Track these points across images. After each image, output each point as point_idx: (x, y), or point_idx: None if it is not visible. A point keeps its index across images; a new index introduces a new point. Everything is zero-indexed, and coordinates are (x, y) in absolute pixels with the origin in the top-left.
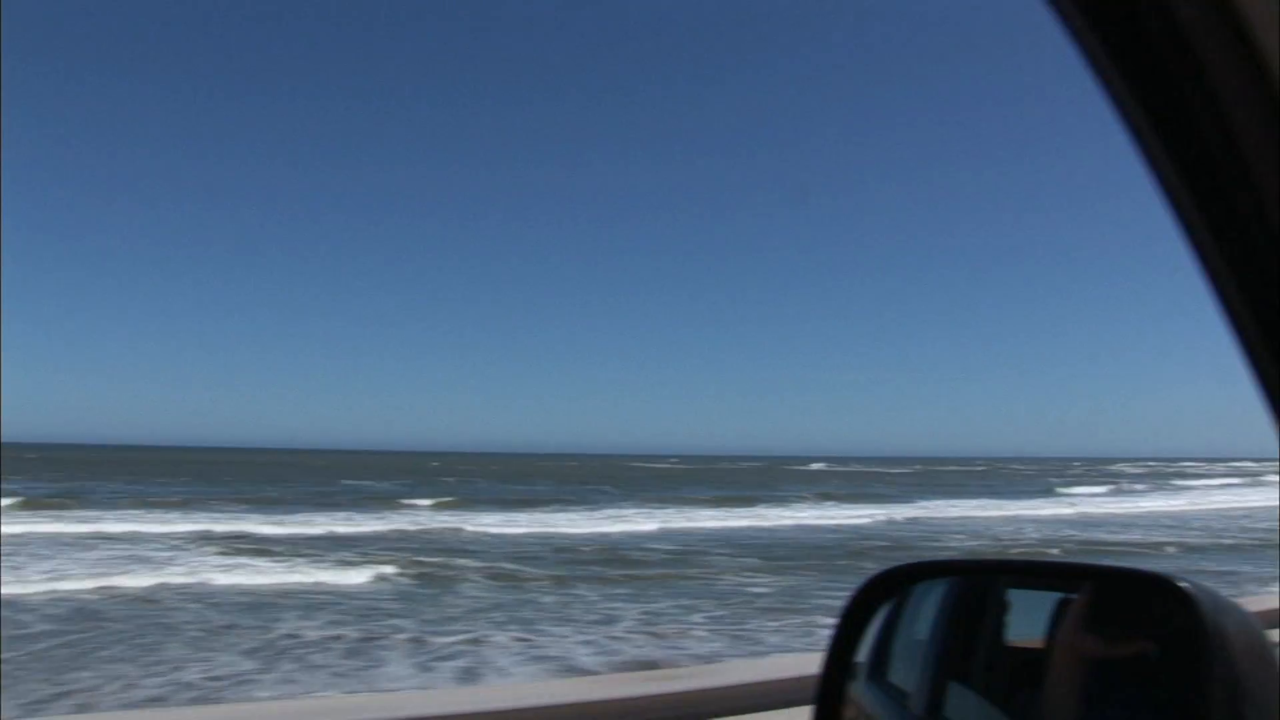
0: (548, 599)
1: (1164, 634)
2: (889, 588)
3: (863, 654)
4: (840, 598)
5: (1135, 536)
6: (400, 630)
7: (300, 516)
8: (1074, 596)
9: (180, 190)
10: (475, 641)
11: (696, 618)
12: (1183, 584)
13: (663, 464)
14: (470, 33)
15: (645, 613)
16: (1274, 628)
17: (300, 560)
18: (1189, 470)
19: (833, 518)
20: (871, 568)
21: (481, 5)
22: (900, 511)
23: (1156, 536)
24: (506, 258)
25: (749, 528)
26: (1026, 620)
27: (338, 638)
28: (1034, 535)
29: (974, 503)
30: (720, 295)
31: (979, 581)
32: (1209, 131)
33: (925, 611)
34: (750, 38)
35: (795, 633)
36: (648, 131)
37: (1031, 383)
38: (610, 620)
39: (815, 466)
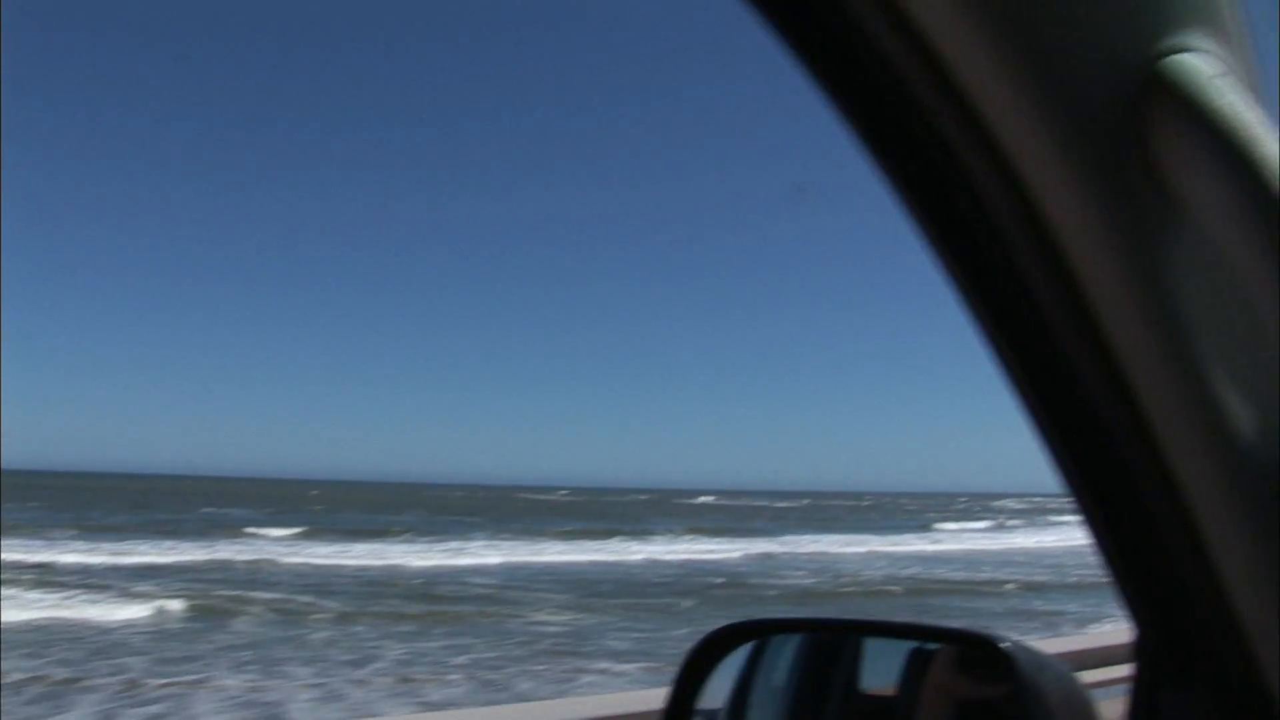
0: (318, 636)
1: (988, 693)
2: (731, 641)
3: (721, 700)
4: (635, 641)
5: (983, 575)
6: (124, 671)
7: (126, 545)
8: (931, 647)
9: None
10: (196, 684)
11: (460, 660)
12: (1004, 644)
13: (553, 495)
14: (370, 66)
15: (411, 653)
16: (1091, 668)
17: (82, 592)
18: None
19: (687, 552)
20: (688, 607)
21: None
22: (760, 547)
23: (1004, 574)
24: (416, 289)
25: (593, 563)
26: (880, 669)
27: (40, 679)
28: (877, 573)
29: (840, 538)
30: (632, 327)
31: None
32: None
33: (783, 659)
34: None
35: (552, 679)
36: (541, 160)
37: (933, 418)
38: (365, 662)
39: (703, 499)
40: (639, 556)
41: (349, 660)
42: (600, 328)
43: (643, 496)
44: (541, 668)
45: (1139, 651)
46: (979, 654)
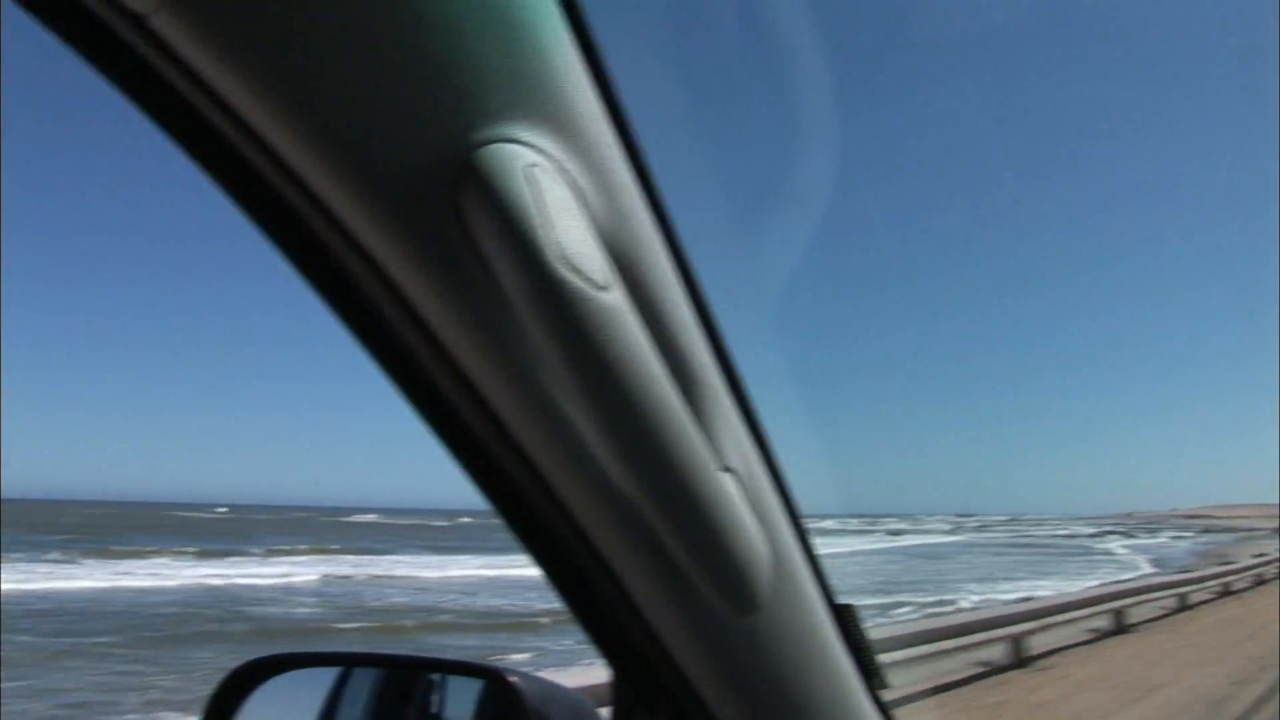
0: None
1: None
2: (258, 676)
3: None
4: None
5: (538, 606)
6: None
7: None
8: (513, 681)
9: None
10: None
11: None
12: (511, 676)
13: (209, 513)
14: None
15: None
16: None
17: None
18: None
19: (241, 575)
20: (121, 642)
21: None
22: (340, 569)
23: (545, 605)
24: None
25: (87, 590)
26: (458, 701)
27: None
28: (413, 602)
29: (443, 559)
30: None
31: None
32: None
33: (361, 693)
34: None
35: None
36: None
37: None
38: None
39: (362, 518)
40: (193, 582)
41: None
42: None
43: (298, 514)
44: None
45: (614, 683)
46: (493, 686)
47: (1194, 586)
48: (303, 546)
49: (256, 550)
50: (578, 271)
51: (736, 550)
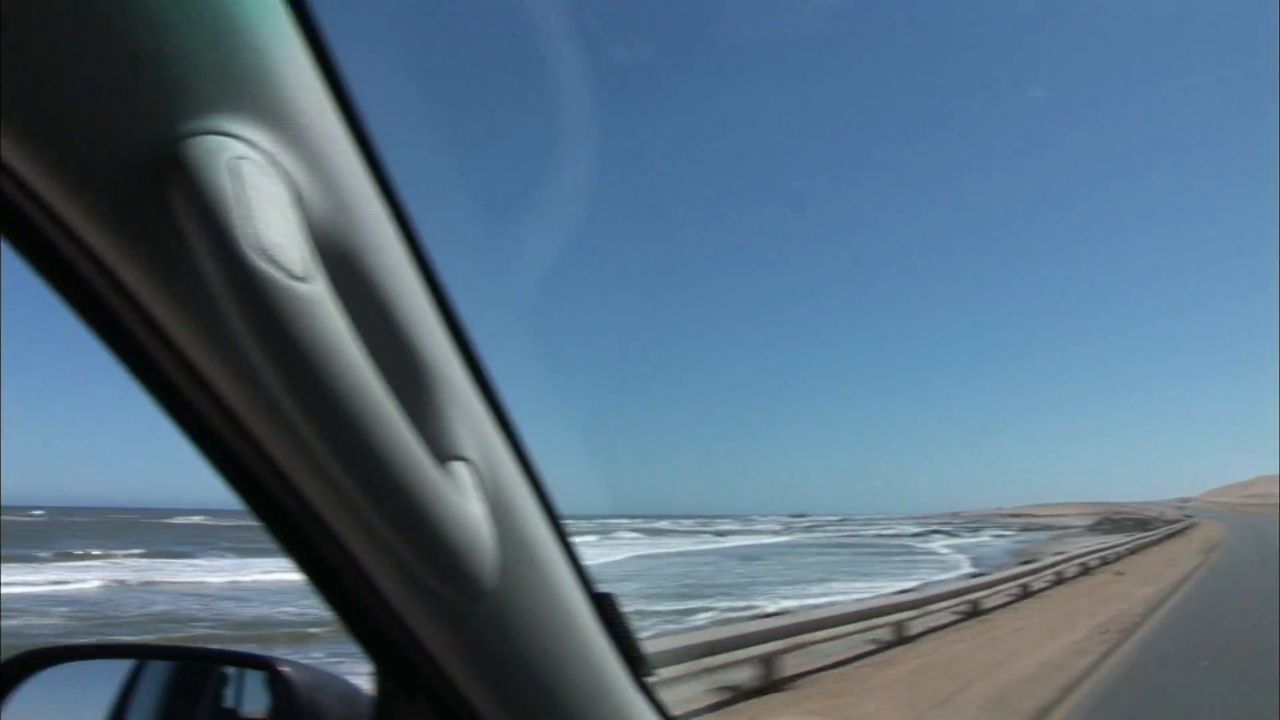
0: None
1: (273, 715)
2: (33, 669)
3: None
4: None
5: (289, 612)
6: None
7: None
8: (285, 671)
9: None
10: None
11: None
12: (283, 666)
13: (23, 516)
14: None
15: None
16: None
17: None
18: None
19: (22, 584)
20: None
21: None
22: (127, 573)
23: (320, 613)
24: None
25: None
26: (250, 693)
27: None
28: (179, 609)
29: (240, 562)
30: None
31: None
32: None
33: (153, 687)
34: None
35: None
36: None
37: None
38: None
39: (186, 519)
40: None
41: None
42: None
43: (121, 516)
44: None
45: (376, 677)
46: (269, 677)
47: (914, 613)
48: (95, 551)
49: (44, 555)
50: (274, 262)
51: (453, 536)
